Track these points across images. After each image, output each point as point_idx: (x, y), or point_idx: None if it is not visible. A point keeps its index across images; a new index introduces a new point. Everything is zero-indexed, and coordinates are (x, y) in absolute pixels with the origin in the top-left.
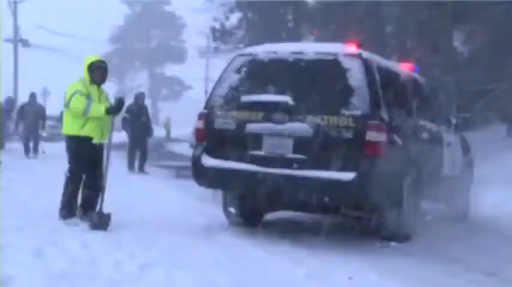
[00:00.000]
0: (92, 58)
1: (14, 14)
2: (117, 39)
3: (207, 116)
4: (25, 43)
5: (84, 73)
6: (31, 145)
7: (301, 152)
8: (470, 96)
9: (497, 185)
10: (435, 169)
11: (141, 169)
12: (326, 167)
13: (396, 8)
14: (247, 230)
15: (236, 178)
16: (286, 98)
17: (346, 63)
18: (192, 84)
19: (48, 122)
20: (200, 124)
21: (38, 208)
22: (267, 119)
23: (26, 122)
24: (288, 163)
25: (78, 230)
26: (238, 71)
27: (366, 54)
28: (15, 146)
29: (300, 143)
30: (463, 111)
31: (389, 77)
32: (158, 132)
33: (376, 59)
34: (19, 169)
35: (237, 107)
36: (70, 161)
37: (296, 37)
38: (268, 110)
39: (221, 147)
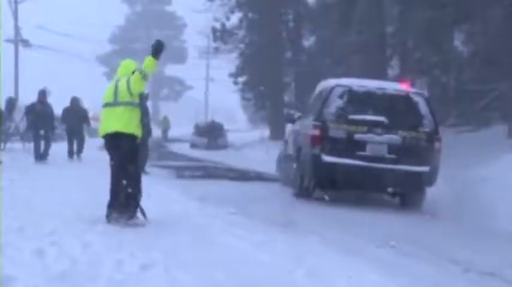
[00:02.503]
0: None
1: (15, 14)
2: (117, 39)
3: (321, 127)
4: (26, 43)
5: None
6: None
7: (393, 153)
8: (470, 96)
9: (497, 185)
10: None
11: (142, 170)
12: (410, 163)
13: (397, 8)
14: (248, 230)
15: (348, 170)
16: (383, 118)
17: (415, 98)
18: (192, 84)
19: None
20: (316, 132)
21: (38, 208)
22: (369, 131)
23: (69, 125)
24: (384, 160)
25: (79, 230)
26: (340, 96)
27: (424, 92)
28: (15, 146)
29: (392, 148)
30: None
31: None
32: (158, 132)
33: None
34: (19, 169)
35: (345, 122)
36: (132, 161)
37: (296, 37)
38: (370, 125)
39: (335, 149)
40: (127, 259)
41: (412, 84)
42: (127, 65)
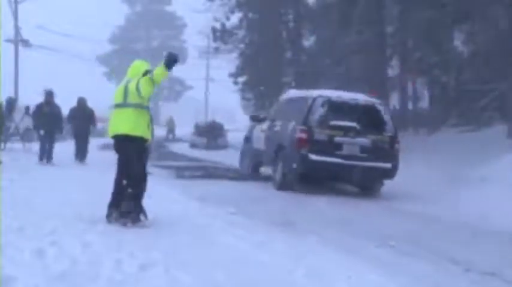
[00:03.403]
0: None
1: (15, 14)
2: (118, 39)
3: (307, 132)
4: (26, 43)
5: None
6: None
7: (364, 153)
8: (470, 96)
9: (497, 185)
10: None
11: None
12: (376, 160)
13: (397, 8)
14: (247, 230)
15: (330, 166)
16: (356, 124)
17: (380, 108)
18: (192, 84)
19: None
20: (304, 135)
21: (38, 208)
22: (346, 134)
23: (76, 127)
24: (357, 158)
25: (79, 230)
26: (321, 105)
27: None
28: (15, 146)
29: (363, 148)
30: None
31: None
32: (159, 132)
33: None
34: (19, 169)
35: (327, 127)
36: (140, 164)
37: (296, 37)
38: (346, 130)
39: (319, 149)
40: (127, 259)
41: (374, 95)
42: (137, 65)
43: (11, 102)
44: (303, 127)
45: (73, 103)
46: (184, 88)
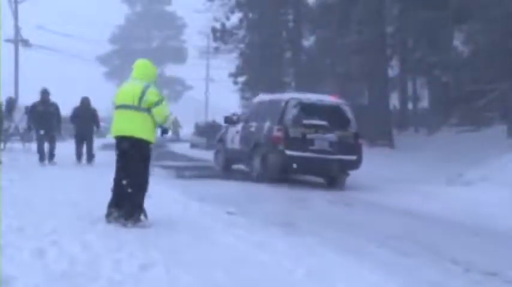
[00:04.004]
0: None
1: (15, 14)
2: (118, 39)
3: (283, 130)
4: (26, 43)
5: (153, 77)
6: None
7: (332, 147)
8: (470, 96)
9: (497, 185)
10: None
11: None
12: (343, 153)
13: (397, 7)
14: (248, 230)
15: (303, 160)
16: (324, 123)
17: (344, 108)
18: (192, 85)
19: None
20: (280, 134)
21: (38, 208)
22: (316, 132)
23: (79, 127)
24: (327, 152)
25: (78, 230)
26: (294, 107)
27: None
28: (15, 146)
29: (332, 143)
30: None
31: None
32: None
33: None
34: (19, 169)
35: (300, 126)
36: (144, 166)
37: (296, 37)
38: (317, 128)
39: (294, 145)
40: (127, 258)
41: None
42: (147, 66)
43: (11, 102)
44: (279, 126)
45: (73, 103)
46: (184, 88)
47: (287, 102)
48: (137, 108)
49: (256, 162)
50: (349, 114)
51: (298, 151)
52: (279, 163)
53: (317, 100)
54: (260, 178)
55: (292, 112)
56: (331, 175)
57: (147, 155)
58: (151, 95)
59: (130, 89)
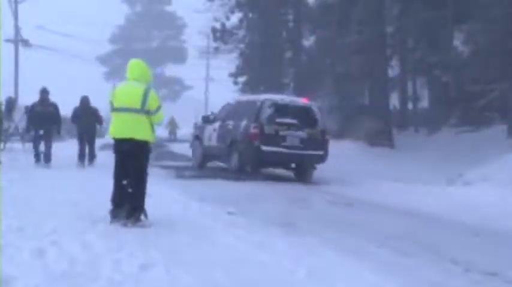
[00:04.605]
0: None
1: (15, 14)
2: (118, 39)
3: (259, 128)
4: (26, 43)
5: (149, 77)
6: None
7: (302, 143)
8: (470, 96)
9: (497, 185)
10: None
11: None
12: (312, 149)
13: (397, 7)
14: (248, 230)
15: (276, 155)
16: (295, 121)
17: (314, 109)
18: (192, 84)
19: None
20: (256, 131)
21: (38, 208)
22: (288, 129)
23: (80, 127)
24: (297, 148)
25: (79, 230)
26: (268, 107)
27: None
28: (15, 146)
29: (302, 140)
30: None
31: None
32: (161, 133)
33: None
34: (19, 169)
35: (274, 124)
36: (145, 166)
37: (296, 37)
38: (288, 126)
39: (268, 141)
40: (127, 258)
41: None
42: (140, 66)
43: (11, 102)
44: (255, 124)
45: (73, 103)
46: (183, 88)
47: (262, 102)
48: (139, 111)
49: (234, 157)
50: (317, 114)
51: (272, 147)
52: (255, 157)
53: (289, 101)
54: (238, 172)
55: (267, 112)
56: (301, 168)
57: (147, 156)
58: (153, 100)
59: (130, 91)
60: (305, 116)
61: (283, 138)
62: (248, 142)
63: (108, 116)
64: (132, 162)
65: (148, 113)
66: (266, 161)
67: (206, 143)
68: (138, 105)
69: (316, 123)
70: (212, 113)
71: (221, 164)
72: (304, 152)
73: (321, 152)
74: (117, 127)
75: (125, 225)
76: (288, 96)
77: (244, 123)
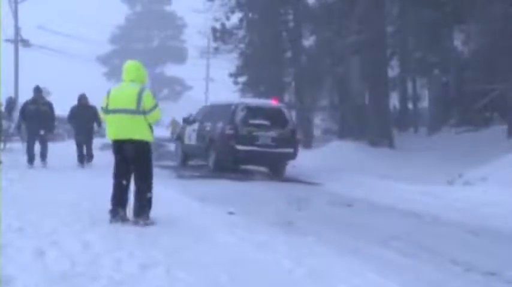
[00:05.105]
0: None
1: (15, 14)
2: (118, 39)
3: (234, 129)
4: (26, 43)
5: (145, 78)
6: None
7: (273, 142)
8: (470, 96)
9: (497, 185)
10: None
11: None
12: (283, 147)
13: (396, 7)
14: (248, 231)
15: (250, 153)
16: (267, 122)
17: (284, 110)
18: (192, 85)
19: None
20: (232, 132)
21: (38, 208)
22: (260, 130)
23: (77, 127)
24: (269, 146)
25: (79, 230)
26: (242, 110)
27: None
28: (15, 146)
29: (273, 139)
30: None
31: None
32: (160, 132)
33: None
34: (19, 169)
35: (247, 125)
36: (150, 166)
37: (296, 37)
38: (261, 126)
39: (243, 141)
40: (127, 258)
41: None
42: (137, 68)
43: (11, 102)
44: (230, 125)
45: (73, 103)
46: (184, 88)
47: (237, 105)
48: (135, 111)
49: (212, 155)
50: (288, 115)
51: (246, 146)
52: (230, 156)
53: (261, 104)
54: (216, 169)
55: (241, 114)
56: (273, 165)
57: (148, 154)
58: (147, 99)
59: (125, 92)
60: (276, 118)
61: (256, 138)
62: (224, 142)
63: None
64: (136, 164)
65: (144, 113)
66: (241, 159)
67: (187, 142)
68: (133, 106)
69: (287, 123)
70: (191, 114)
71: (201, 163)
72: (276, 150)
73: (291, 150)
74: (114, 129)
75: (136, 223)
76: (260, 99)
77: (220, 125)
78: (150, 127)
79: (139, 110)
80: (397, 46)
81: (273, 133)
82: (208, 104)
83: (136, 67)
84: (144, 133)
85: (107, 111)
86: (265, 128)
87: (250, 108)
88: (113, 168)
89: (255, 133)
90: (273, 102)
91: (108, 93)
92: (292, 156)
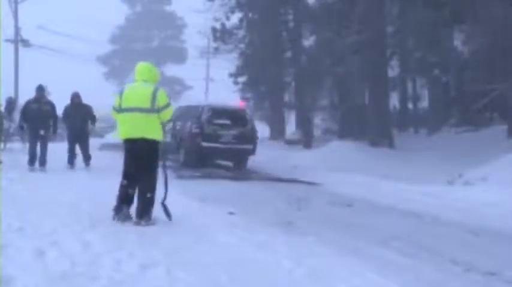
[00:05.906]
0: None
1: (15, 14)
2: (118, 39)
3: (200, 128)
4: (26, 43)
5: (158, 78)
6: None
7: (235, 139)
8: (470, 96)
9: (497, 185)
10: None
11: None
12: (243, 143)
13: (397, 7)
14: (248, 231)
15: (214, 149)
16: (229, 122)
17: (245, 112)
18: (192, 85)
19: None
20: (198, 130)
21: (38, 208)
22: (223, 128)
23: (71, 127)
24: (231, 143)
25: (78, 230)
26: (208, 111)
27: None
28: (15, 146)
29: (235, 136)
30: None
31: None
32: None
33: None
34: (19, 169)
35: (212, 124)
36: (156, 166)
37: (296, 37)
38: (224, 126)
39: (208, 138)
40: (127, 258)
41: (244, 102)
42: (149, 69)
43: (11, 102)
44: (197, 125)
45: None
46: (183, 88)
47: (203, 107)
48: (149, 110)
49: (182, 152)
50: (248, 116)
51: (210, 143)
52: (197, 152)
53: (225, 106)
54: (185, 164)
55: (207, 115)
56: (235, 159)
57: (157, 155)
58: (162, 97)
59: (140, 92)
60: (237, 118)
61: (220, 136)
62: (192, 140)
63: (106, 117)
64: (144, 163)
65: (158, 111)
66: (207, 155)
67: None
68: (148, 105)
69: (247, 123)
70: None
71: (174, 158)
72: (237, 146)
73: (250, 146)
74: (127, 127)
75: (139, 224)
76: (226, 103)
77: (188, 124)
78: (163, 127)
79: (153, 109)
80: (397, 46)
81: (234, 132)
82: (184, 105)
83: (149, 68)
84: (156, 132)
85: (119, 110)
86: (228, 127)
87: (215, 109)
88: (116, 168)
89: (219, 132)
90: (236, 105)
91: (121, 92)
92: (252, 151)
